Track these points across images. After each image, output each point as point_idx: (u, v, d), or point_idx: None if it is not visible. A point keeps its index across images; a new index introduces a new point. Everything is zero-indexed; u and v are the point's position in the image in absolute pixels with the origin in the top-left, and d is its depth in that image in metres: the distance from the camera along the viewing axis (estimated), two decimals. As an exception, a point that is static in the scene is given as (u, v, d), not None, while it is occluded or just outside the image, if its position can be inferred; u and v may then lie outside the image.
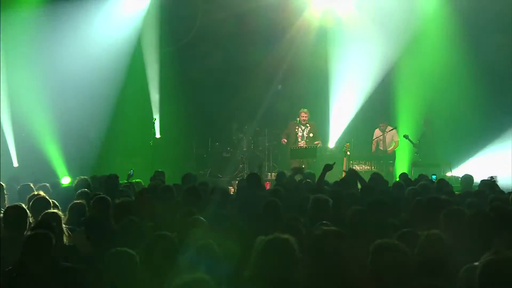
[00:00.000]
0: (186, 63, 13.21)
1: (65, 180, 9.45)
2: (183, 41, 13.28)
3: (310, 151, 11.36)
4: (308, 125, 11.70)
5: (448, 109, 12.46)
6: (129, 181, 7.73)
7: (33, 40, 12.12)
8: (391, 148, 12.24)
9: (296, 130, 11.73)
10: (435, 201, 4.85)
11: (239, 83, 13.12)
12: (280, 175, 8.06)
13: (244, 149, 12.89)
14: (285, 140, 11.78)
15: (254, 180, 6.78)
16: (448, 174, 11.28)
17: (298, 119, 11.75)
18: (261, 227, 4.36)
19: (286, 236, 3.06)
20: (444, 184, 7.09)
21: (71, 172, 11.01)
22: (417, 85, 12.61)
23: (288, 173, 7.88)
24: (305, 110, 11.72)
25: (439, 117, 12.44)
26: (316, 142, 11.57)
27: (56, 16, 12.15)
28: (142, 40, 13.13)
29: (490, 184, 7.00)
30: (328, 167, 6.83)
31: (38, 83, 11.99)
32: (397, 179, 8.78)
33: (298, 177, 7.50)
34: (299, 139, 11.65)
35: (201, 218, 4.39)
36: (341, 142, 12.45)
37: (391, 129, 12.20)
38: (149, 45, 13.11)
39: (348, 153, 11.05)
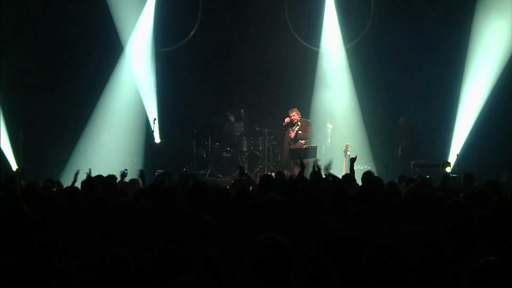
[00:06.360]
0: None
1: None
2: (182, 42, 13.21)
3: (310, 151, 11.36)
4: (299, 123, 11.90)
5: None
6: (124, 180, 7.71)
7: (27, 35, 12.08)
8: None
9: (290, 129, 12.02)
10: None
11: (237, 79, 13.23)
12: (279, 175, 7.98)
13: (244, 149, 12.85)
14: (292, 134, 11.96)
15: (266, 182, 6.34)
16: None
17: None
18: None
19: (278, 236, 3.00)
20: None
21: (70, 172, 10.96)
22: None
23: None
24: (294, 109, 12.03)
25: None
26: (301, 142, 11.70)
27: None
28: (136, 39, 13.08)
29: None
30: (353, 160, 7.55)
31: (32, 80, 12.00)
32: None
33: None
34: (291, 138, 11.96)
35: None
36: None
37: None
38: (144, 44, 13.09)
39: (349, 153, 10.92)
